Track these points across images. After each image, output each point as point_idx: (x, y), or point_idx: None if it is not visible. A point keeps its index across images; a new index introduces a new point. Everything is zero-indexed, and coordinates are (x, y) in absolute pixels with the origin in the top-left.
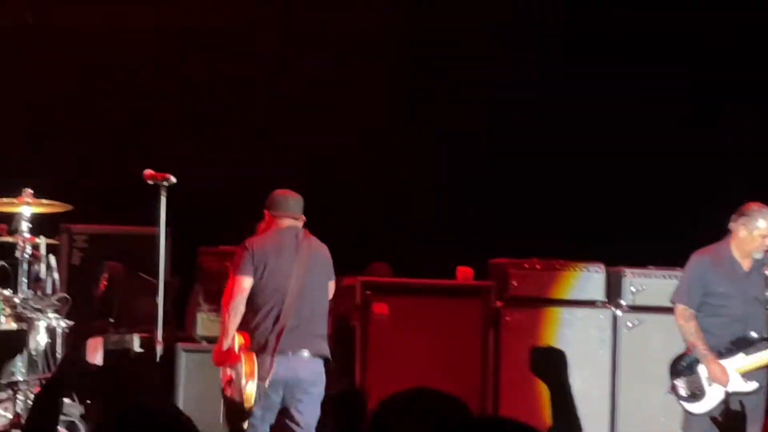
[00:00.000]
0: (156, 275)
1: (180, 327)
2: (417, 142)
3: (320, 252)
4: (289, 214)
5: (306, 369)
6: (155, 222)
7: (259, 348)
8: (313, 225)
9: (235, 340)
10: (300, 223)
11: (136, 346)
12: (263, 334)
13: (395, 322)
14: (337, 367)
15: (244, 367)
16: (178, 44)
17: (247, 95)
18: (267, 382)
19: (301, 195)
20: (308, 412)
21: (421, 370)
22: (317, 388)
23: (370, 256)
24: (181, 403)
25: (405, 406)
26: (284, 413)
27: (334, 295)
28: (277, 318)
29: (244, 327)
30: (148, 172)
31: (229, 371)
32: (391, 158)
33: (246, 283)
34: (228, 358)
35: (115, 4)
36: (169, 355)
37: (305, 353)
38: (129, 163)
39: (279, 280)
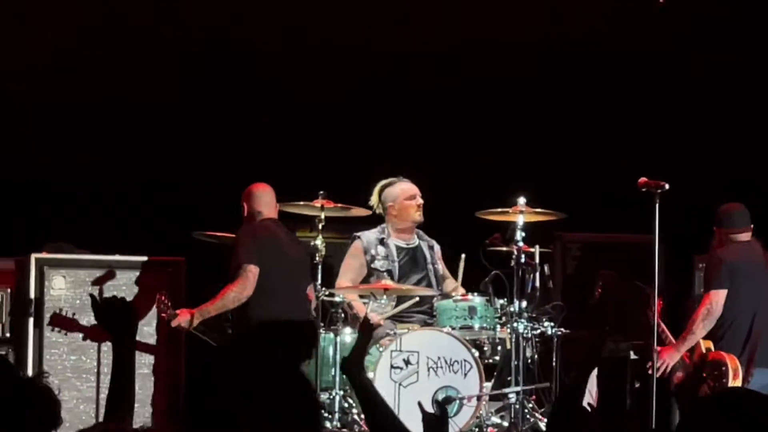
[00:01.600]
0: (650, 283)
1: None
2: None
3: None
4: (740, 229)
5: None
6: (649, 229)
7: None
8: None
9: (701, 343)
10: (750, 235)
11: (632, 355)
12: (733, 344)
13: None
14: None
15: (730, 367)
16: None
17: None
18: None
19: None
20: None
21: None
22: None
23: None
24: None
25: (716, 411)
26: None
27: None
28: (749, 330)
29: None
30: (642, 179)
31: (680, 373)
32: None
33: (720, 296)
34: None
35: None
36: None
37: None
38: (622, 170)
39: (750, 293)
